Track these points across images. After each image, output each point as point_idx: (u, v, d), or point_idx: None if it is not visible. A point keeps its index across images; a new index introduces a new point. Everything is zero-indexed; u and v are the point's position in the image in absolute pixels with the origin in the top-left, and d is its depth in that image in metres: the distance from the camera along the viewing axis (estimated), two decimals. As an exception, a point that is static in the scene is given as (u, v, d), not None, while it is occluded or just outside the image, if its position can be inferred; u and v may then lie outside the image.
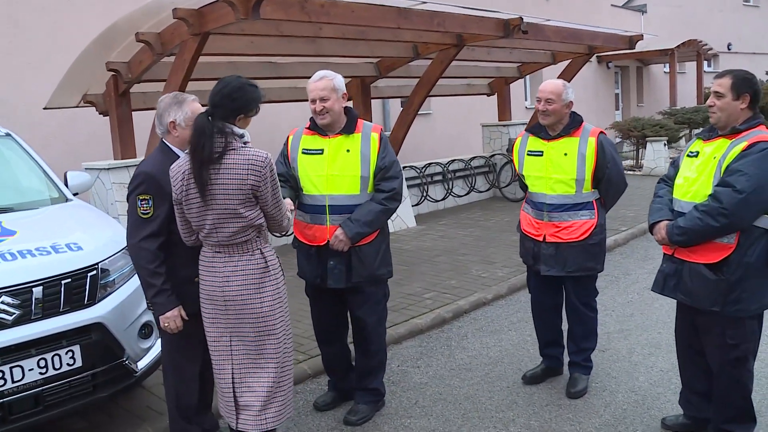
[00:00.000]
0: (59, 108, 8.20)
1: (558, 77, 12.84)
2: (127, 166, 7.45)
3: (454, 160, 12.83)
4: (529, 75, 13.97)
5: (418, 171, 11.91)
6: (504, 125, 13.25)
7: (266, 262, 3.36)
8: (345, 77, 10.25)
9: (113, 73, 7.41)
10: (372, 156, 4.08)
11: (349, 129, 4.12)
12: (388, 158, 4.12)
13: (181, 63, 6.63)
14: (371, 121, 10.43)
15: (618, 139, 20.74)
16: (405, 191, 10.84)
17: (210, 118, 3.23)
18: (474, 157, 13.19)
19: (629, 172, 16.13)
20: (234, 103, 3.26)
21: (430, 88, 9.89)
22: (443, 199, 12.35)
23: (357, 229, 4.03)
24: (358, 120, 4.18)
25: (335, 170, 4.08)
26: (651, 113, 23.07)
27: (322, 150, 4.12)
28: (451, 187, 12.42)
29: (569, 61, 12.87)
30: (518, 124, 13.38)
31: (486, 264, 7.88)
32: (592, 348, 4.69)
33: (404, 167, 11.57)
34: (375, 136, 4.13)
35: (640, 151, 16.97)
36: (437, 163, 12.42)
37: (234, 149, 3.22)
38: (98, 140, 9.90)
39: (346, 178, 4.07)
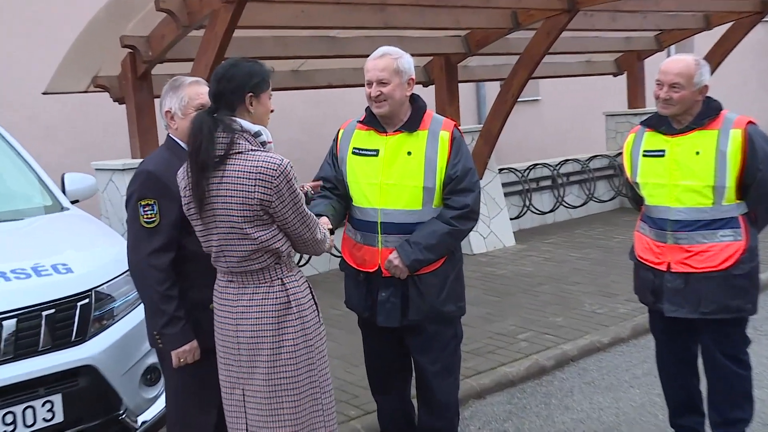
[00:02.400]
0: (63, 93, 8.43)
1: (713, 48, 12.52)
2: (147, 167, 7.62)
3: (568, 160, 12.63)
4: (674, 45, 13.55)
5: (520, 174, 11.77)
6: (635, 114, 12.96)
7: (288, 296, 3.32)
8: (425, 55, 10.49)
9: (130, 50, 7.55)
10: (440, 161, 4.01)
11: (412, 124, 4.06)
12: (462, 165, 4.03)
13: (213, 38, 6.70)
14: (458, 111, 10.62)
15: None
16: (502, 201, 10.73)
17: (215, 115, 3.25)
18: (594, 157, 12.98)
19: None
20: (232, 81, 3.25)
21: (534, 67, 9.72)
22: (552, 210, 12.17)
23: (416, 255, 3.96)
24: (426, 113, 4.12)
25: (392, 178, 4.03)
26: None
27: (378, 151, 4.09)
28: (562, 194, 12.23)
29: (731, 23, 12.23)
30: (654, 112, 13.03)
31: (604, 297, 7.72)
32: (746, 419, 4.39)
33: (501, 169, 11.47)
34: (445, 135, 4.05)
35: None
36: (545, 165, 12.25)
37: (240, 152, 3.20)
38: (113, 133, 10.18)
39: (406, 189, 4.02)
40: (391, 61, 4.00)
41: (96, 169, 7.98)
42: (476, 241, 10.18)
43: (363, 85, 4.09)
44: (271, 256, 3.29)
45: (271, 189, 3.16)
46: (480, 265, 9.39)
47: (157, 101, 7.72)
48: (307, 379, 3.36)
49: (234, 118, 3.24)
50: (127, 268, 4.14)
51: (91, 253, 4.38)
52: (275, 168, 3.16)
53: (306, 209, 3.32)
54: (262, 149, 3.25)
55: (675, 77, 4.14)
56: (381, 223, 4.06)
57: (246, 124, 3.25)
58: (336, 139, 4.30)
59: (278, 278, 3.32)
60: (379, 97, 4.00)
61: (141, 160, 7.59)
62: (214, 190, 3.21)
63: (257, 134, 3.26)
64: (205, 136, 3.17)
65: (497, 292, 8.14)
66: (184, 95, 3.62)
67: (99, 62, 7.97)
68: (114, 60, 7.89)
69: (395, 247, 4.02)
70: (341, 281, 4.43)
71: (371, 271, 4.11)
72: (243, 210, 3.18)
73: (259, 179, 3.15)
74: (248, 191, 3.16)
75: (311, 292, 3.48)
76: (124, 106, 8.15)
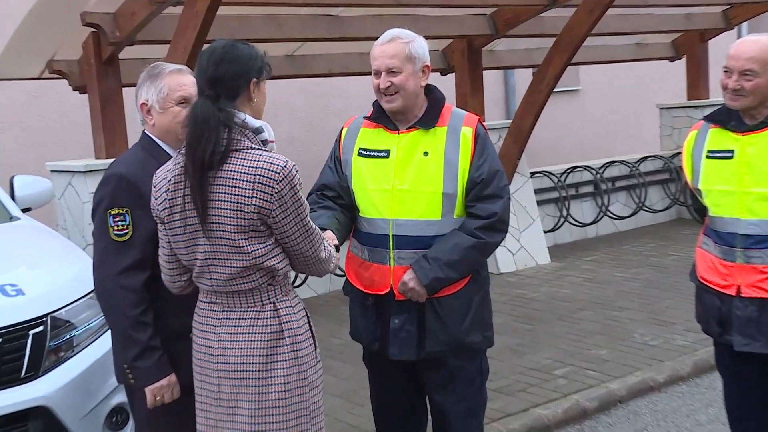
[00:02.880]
0: (11, 80, 8.44)
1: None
2: (113, 168, 7.60)
3: (614, 161, 12.65)
4: (746, 23, 13.48)
5: (556, 179, 11.79)
6: (696, 106, 12.96)
7: (281, 324, 3.32)
8: (443, 38, 10.47)
9: (93, 29, 7.52)
10: (462, 162, 4.03)
11: (429, 120, 4.08)
12: (488, 166, 4.05)
13: (193, 16, 6.69)
14: (482, 104, 10.61)
15: None
16: (535, 211, 10.72)
17: (213, 102, 3.24)
18: (645, 158, 12.98)
19: None
20: (235, 64, 3.27)
21: (574, 51, 9.70)
22: (594, 221, 12.19)
23: (435, 273, 3.96)
24: (445, 106, 4.15)
25: (405, 183, 4.04)
26: None
27: (388, 151, 4.10)
28: (607, 203, 12.23)
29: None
30: (719, 104, 12.98)
31: (658, 325, 7.72)
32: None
33: (534, 173, 11.47)
34: (468, 132, 4.07)
35: None
36: (586, 167, 12.27)
37: (239, 150, 3.20)
38: (73, 129, 10.16)
39: (422, 196, 4.03)
40: (402, 45, 4.02)
41: (52, 171, 7.98)
42: (504, 258, 10.16)
43: (370, 74, 4.09)
44: (264, 275, 3.29)
45: (272, 195, 3.16)
46: (508, 287, 9.38)
47: (125, 90, 7.81)
48: (297, 426, 3.35)
49: (234, 110, 3.26)
50: (90, 289, 4.17)
51: (47, 271, 4.37)
52: (278, 171, 3.16)
53: (311, 222, 3.33)
54: (262, 148, 3.25)
55: (747, 62, 4.09)
56: (393, 236, 4.06)
57: (248, 118, 3.27)
58: (339, 140, 4.31)
59: (270, 302, 3.32)
60: (389, 89, 4.01)
61: (106, 160, 7.65)
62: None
63: (258, 131, 3.27)
64: (212, 129, 3.17)
65: (529, 318, 8.13)
66: (164, 86, 3.62)
67: (55, 43, 7.97)
68: (74, 41, 7.87)
69: (410, 265, 4.02)
70: (344, 305, 4.42)
71: (382, 293, 4.10)
72: (237, 218, 3.18)
73: (259, 183, 3.15)
74: (245, 196, 3.16)
75: (309, 321, 3.47)
76: (86, 96, 8.15)
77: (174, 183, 3.30)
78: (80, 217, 7.71)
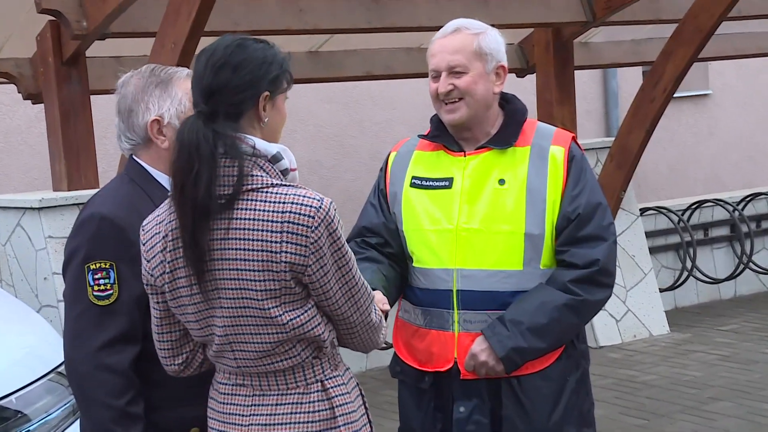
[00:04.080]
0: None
1: None
2: (77, 204, 7.62)
3: (759, 193, 12.66)
4: None
5: (677, 218, 11.77)
6: None
7: (332, 408, 3.31)
8: (521, 27, 10.54)
9: (51, 17, 7.61)
10: (551, 193, 4.07)
11: (506, 137, 4.12)
12: (587, 198, 4.07)
13: (186, 0, 6.72)
14: (574, 115, 10.65)
15: None
16: (647, 261, 10.69)
17: (205, 122, 3.20)
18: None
19: None
20: (241, 72, 3.23)
21: (702, 42, 9.69)
22: (732, 276, 12.15)
23: (516, 342, 3.96)
24: (527, 121, 4.19)
25: (475, 221, 4.07)
26: None
27: (451, 180, 4.14)
28: (749, 251, 12.17)
29: None
30: None
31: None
32: None
33: (645, 210, 11.51)
34: (558, 153, 4.11)
35: None
36: (719, 202, 12.26)
37: (255, 188, 3.19)
38: (23, 150, 10.29)
39: (497, 238, 4.06)
40: (470, 38, 4.06)
41: (-5, 207, 8.11)
42: (604, 327, 10.18)
43: (423, 76, 4.11)
44: (307, 348, 3.28)
45: (306, 247, 3.14)
46: (611, 366, 9.38)
47: (94, 99, 7.91)
48: None
49: (241, 134, 3.23)
50: (49, 368, 4.21)
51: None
52: (312, 214, 3.13)
53: (358, 276, 3.31)
54: (285, 183, 3.24)
55: None
56: (458, 291, 4.07)
57: (260, 143, 3.24)
58: (385, 168, 4.35)
59: (316, 380, 3.31)
60: (451, 95, 4.04)
61: (69, 193, 7.69)
62: (217, 250, 3.20)
63: (276, 158, 3.26)
64: (204, 159, 3.13)
65: (643, 410, 8.12)
66: (182, 95, 3.60)
67: (0, 37, 8.11)
68: (25, 33, 8.02)
69: (481, 331, 4.02)
70: (388, 388, 4.42)
71: (443, 370, 4.10)
72: (265, 280, 3.17)
73: (288, 232, 3.13)
74: (272, 251, 3.14)
75: (364, 403, 3.48)
76: (41, 106, 8.26)
77: (172, 240, 3.27)
78: (32, 269, 7.75)
